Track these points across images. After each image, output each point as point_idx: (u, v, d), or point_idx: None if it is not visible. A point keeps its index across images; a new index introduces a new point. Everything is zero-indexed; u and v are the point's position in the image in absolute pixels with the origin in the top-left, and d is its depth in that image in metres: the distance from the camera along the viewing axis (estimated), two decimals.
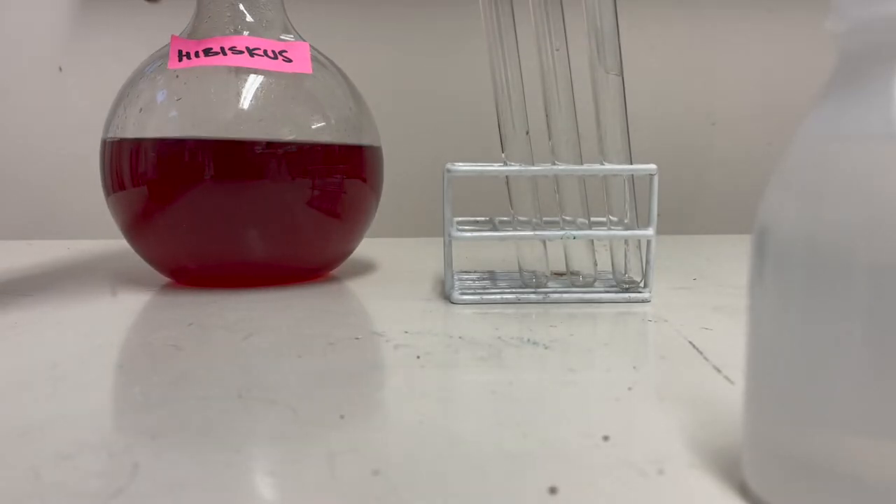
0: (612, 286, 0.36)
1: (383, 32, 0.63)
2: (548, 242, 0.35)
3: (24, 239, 0.62)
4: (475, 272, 0.41)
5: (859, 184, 0.13)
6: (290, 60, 0.37)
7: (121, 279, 0.42)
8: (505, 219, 0.39)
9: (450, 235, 0.34)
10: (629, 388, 0.23)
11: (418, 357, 0.26)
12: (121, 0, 0.63)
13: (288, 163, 0.36)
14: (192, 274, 0.39)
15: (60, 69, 0.64)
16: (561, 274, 0.37)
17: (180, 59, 0.37)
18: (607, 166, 0.34)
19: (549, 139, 0.34)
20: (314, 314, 0.33)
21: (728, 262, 0.48)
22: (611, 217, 0.35)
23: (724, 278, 0.41)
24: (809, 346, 0.14)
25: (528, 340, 0.28)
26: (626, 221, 0.35)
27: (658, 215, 0.34)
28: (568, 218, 0.35)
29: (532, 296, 0.35)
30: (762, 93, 0.64)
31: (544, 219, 0.35)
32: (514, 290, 0.35)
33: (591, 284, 0.36)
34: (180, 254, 0.38)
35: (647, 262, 0.35)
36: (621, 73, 0.32)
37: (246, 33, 0.38)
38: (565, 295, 0.35)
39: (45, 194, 0.66)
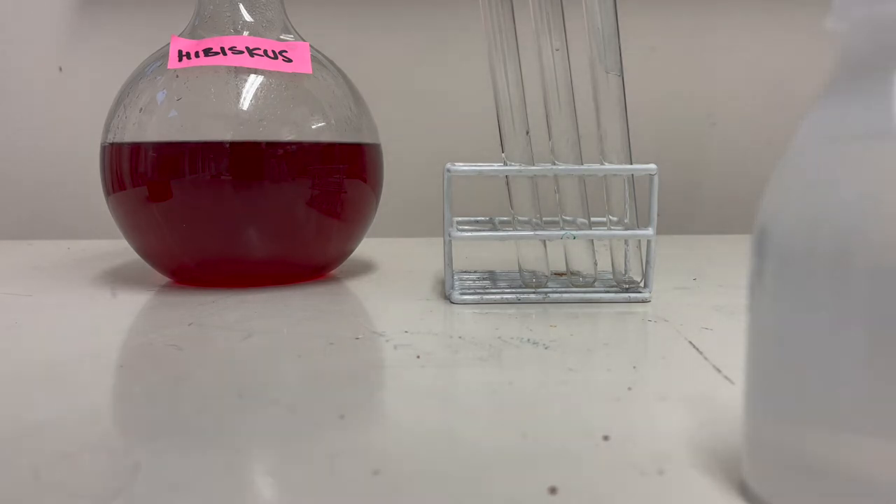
0: (612, 286, 0.36)
1: (383, 33, 0.63)
2: (548, 242, 0.35)
3: (24, 239, 0.62)
4: (475, 272, 0.41)
5: (859, 184, 0.13)
6: (290, 60, 0.37)
7: (121, 279, 0.42)
8: (505, 219, 0.39)
9: (450, 235, 0.34)
10: (629, 388, 0.23)
11: (418, 357, 0.26)
12: (121, 0, 0.63)
13: (288, 163, 0.36)
14: (192, 274, 0.39)
15: (60, 69, 0.64)
16: (561, 274, 0.37)
17: (180, 59, 0.37)
18: (607, 166, 0.34)
19: (549, 139, 0.33)
20: (314, 314, 0.33)
21: (728, 262, 0.48)
22: (611, 217, 0.35)
23: (724, 278, 0.41)
24: (809, 346, 0.14)
25: (528, 340, 0.28)
26: (626, 221, 0.35)
27: (658, 215, 0.34)
28: (568, 218, 0.35)
29: (532, 296, 0.35)
30: (762, 93, 0.64)
31: (544, 219, 0.35)
32: (514, 290, 0.35)
33: (591, 284, 0.36)
34: (180, 253, 0.38)
35: (647, 262, 0.35)
36: (621, 73, 0.32)
37: (246, 33, 0.38)
38: (565, 295, 0.35)
39: (45, 194, 0.66)
